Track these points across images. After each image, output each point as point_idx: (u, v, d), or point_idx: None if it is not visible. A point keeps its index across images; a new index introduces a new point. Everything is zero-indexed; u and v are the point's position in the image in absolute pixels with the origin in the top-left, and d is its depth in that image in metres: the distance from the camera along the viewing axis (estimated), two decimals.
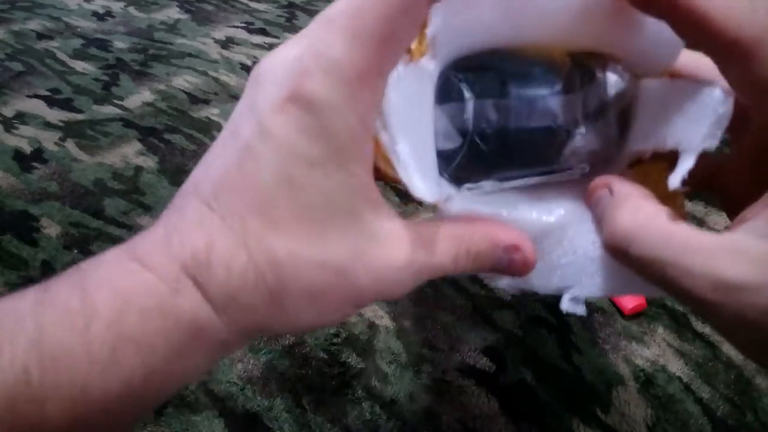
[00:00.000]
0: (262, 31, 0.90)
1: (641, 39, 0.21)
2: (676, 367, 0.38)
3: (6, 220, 0.54)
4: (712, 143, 0.18)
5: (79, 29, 0.94)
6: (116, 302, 0.16)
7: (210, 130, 0.65)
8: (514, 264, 0.20)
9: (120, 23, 0.96)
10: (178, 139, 0.64)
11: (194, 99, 0.72)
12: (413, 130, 0.18)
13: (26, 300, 0.16)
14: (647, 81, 0.21)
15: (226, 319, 0.17)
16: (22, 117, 0.70)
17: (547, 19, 0.20)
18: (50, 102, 0.73)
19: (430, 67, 0.19)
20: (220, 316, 0.16)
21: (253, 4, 1.00)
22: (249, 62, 0.80)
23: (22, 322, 0.15)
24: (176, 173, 0.59)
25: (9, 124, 0.68)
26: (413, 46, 0.19)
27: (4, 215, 0.54)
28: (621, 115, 0.22)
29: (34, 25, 0.96)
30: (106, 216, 0.53)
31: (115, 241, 0.50)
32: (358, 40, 0.16)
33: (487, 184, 0.22)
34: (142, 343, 0.16)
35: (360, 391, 0.37)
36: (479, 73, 0.21)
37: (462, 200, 0.21)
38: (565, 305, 0.21)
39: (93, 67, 0.81)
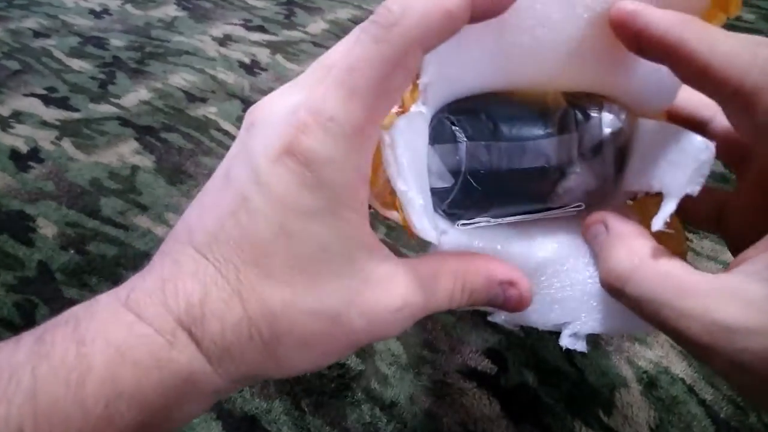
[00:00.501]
0: (261, 29, 0.89)
1: (637, 81, 0.21)
2: (680, 368, 0.38)
3: (2, 220, 0.53)
4: (694, 189, 0.19)
5: (75, 27, 0.93)
6: (111, 356, 0.16)
7: (207, 128, 0.65)
8: (509, 300, 0.20)
9: (117, 21, 0.95)
10: (175, 138, 0.63)
11: (191, 97, 0.71)
12: (416, 174, 0.19)
13: (21, 351, 0.16)
14: (644, 121, 0.21)
15: (220, 371, 0.17)
16: (18, 116, 0.69)
17: (537, 65, 0.21)
18: (46, 101, 0.72)
19: (423, 111, 0.20)
20: (214, 368, 0.17)
21: (252, 2, 1.00)
22: (247, 60, 0.80)
23: (18, 375, 0.15)
24: (173, 172, 0.58)
25: (5, 123, 0.68)
26: (406, 94, 0.20)
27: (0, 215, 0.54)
28: (618, 153, 0.23)
29: (31, 23, 0.95)
30: (102, 216, 0.53)
31: (112, 241, 0.50)
32: (356, 96, 0.16)
33: (481, 221, 0.22)
34: (136, 398, 0.16)
35: (360, 394, 0.37)
36: (471, 115, 0.21)
37: (456, 235, 0.21)
38: (565, 341, 0.22)
39: (89, 65, 0.80)
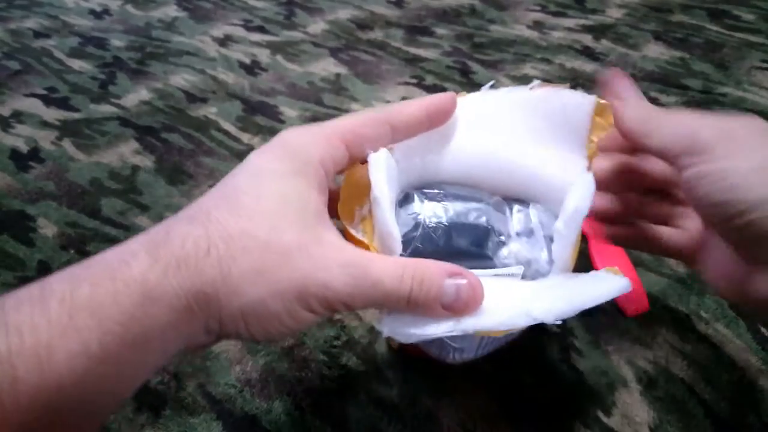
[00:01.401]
0: (261, 29, 0.89)
1: (555, 193, 0.27)
2: (679, 368, 0.38)
3: (2, 220, 0.53)
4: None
5: (76, 27, 0.93)
6: (68, 279, 0.19)
7: (208, 128, 0.65)
8: (461, 290, 0.21)
9: (117, 21, 0.95)
10: (175, 138, 0.63)
11: (192, 97, 0.71)
12: (387, 194, 0.25)
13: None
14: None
15: (175, 282, 0.18)
16: (18, 116, 0.69)
17: (473, 173, 0.29)
18: (47, 101, 0.72)
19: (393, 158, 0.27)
20: (168, 278, 0.18)
21: (252, 2, 1.00)
22: (247, 60, 0.80)
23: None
24: (173, 172, 0.58)
25: (6, 123, 0.68)
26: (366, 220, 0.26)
27: (0, 215, 0.54)
28: (548, 239, 0.28)
29: (31, 23, 0.95)
30: (102, 216, 0.53)
31: (112, 241, 0.50)
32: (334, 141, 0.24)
33: None
34: (94, 308, 0.17)
35: (360, 394, 0.37)
36: (429, 188, 0.29)
37: None
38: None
39: (90, 65, 0.81)
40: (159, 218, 0.52)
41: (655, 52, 0.76)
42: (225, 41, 0.86)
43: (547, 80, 0.70)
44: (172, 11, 0.98)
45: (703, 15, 0.85)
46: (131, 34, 0.90)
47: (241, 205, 0.20)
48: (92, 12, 0.99)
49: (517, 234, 0.28)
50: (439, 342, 0.27)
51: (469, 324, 0.22)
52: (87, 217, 0.53)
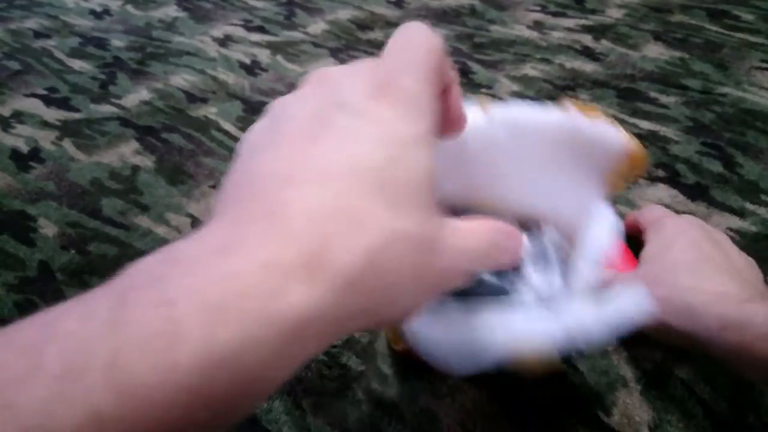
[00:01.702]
0: (261, 29, 0.89)
1: (572, 211, 0.27)
2: (679, 368, 0.38)
3: (3, 220, 0.53)
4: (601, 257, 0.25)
5: (76, 27, 0.93)
6: (207, 317, 0.13)
7: (208, 128, 0.65)
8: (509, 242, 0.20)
9: (117, 21, 0.95)
10: (175, 138, 0.63)
11: (192, 98, 0.71)
12: None
13: (96, 318, 0.13)
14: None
15: (335, 307, 0.14)
16: (19, 116, 0.69)
17: (487, 188, 0.28)
18: (47, 101, 0.72)
19: None
20: (331, 302, 0.14)
21: (252, 2, 1.00)
22: (247, 60, 0.80)
23: (93, 347, 0.12)
24: (174, 173, 0.58)
25: (6, 123, 0.68)
26: None
27: (1, 215, 0.54)
28: (562, 265, 0.27)
29: (32, 23, 0.95)
30: (103, 216, 0.53)
31: (113, 241, 0.50)
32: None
33: (445, 299, 0.23)
34: (235, 362, 0.13)
35: (360, 394, 0.37)
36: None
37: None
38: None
39: (90, 65, 0.81)
40: (159, 218, 0.52)
41: (655, 52, 0.76)
42: (225, 41, 0.86)
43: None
44: (172, 11, 0.98)
45: (702, 15, 0.85)
46: (131, 35, 0.90)
47: (384, 189, 0.17)
48: (92, 12, 0.99)
49: (533, 260, 0.27)
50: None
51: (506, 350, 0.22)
52: (87, 217, 0.53)
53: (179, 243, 0.15)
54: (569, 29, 0.83)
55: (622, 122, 0.63)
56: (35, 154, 0.62)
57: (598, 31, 0.82)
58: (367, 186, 0.16)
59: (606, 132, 0.25)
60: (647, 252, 0.31)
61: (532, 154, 0.26)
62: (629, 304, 0.23)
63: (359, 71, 0.19)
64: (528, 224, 0.28)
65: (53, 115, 0.69)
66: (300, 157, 0.16)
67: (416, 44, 0.19)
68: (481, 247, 0.19)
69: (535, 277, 0.27)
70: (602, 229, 0.24)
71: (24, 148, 0.63)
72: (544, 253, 0.27)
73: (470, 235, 0.18)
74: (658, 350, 0.39)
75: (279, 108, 0.19)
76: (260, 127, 0.20)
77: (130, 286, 0.14)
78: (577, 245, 0.26)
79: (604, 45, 0.78)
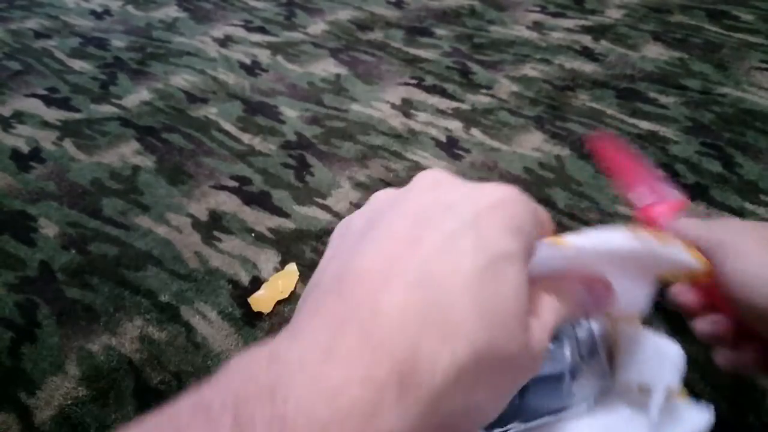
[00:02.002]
0: (261, 30, 0.89)
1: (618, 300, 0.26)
2: None
3: (3, 220, 0.53)
4: (674, 386, 0.24)
5: (77, 28, 0.93)
6: None
7: (208, 128, 0.65)
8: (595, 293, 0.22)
9: (118, 22, 0.95)
10: (176, 138, 0.64)
11: (192, 98, 0.71)
12: None
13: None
14: (623, 326, 0.26)
15: (424, 425, 0.15)
16: (19, 116, 0.69)
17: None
18: (48, 101, 0.72)
19: None
20: (419, 423, 0.15)
21: (252, 2, 1.00)
22: (248, 61, 0.80)
23: None
24: (174, 172, 0.58)
25: (7, 124, 0.68)
26: None
27: (1, 215, 0.54)
28: (609, 353, 0.27)
29: (32, 23, 0.95)
30: (103, 216, 0.53)
31: (113, 241, 0.50)
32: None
33: (511, 427, 0.25)
34: None
35: None
36: None
37: None
38: None
39: (91, 65, 0.81)
40: (160, 218, 0.52)
41: (654, 52, 0.76)
42: (225, 42, 0.86)
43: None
44: (172, 12, 0.98)
45: (702, 15, 0.85)
46: (132, 35, 0.90)
47: (477, 302, 0.18)
48: (93, 12, 0.99)
49: (581, 357, 0.27)
50: None
51: None
52: (88, 217, 0.53)
53: (281, 341, 0.15)
54: (569, 30, 0.83)
55: (621, 122, 0.63)
56: (36, 154, 0.63)
57: (598, 32, 0.82)
58: (462, 297, 0.16)
59: (679, 256, 0.25)
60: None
61: (602, 267, 0.25)
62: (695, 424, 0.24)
63: (468, 187, 0.19)
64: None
65: (54, 115, 0.69)
66: (400, 257, 0.16)
67: (539, 216, 0.20)
68: (567, 311, 0.20)
69: (588, 381, 0.27)
70: (666, 363, 0.25)
71: (24, 148, 0.63)
72: (591, 347, 0.27)
73: (553, 310, 0.19)
74: None
75: (383, 200, 0.19)
76: (359, 217, 0.19)
77: (243, 398, 0.14)
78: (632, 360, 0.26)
79: (603, 45, 0.79)
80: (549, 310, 0.19)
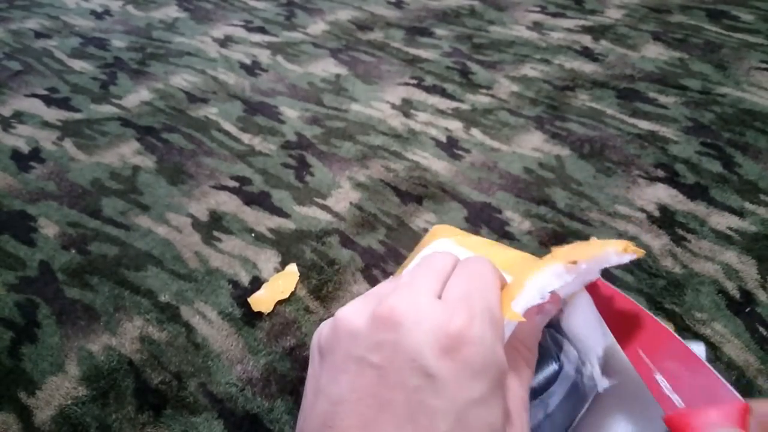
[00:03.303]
0: (261, 30, 0.89)
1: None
2: None
3: (3, 220, 0.53)
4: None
5: (77, 28, 0.93)
6: None
7: (208, 128, 0.65)
8: None
9: (118, 22, 0.95)
10: (176, 139, 0.64)
11: (192, 98, 0.71)
12: None
13: None
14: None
15: None
16: (19, 116, 0.70)
17: None
18: (48, 101, 0.72)
19: None
20: None
21: (252, 3, 1.00)
22: (248, 61, 0.80)
23: None
24: (174, 173, 0.58)
25: (7, 124, 0.68)
26: None
27: (1, 215, 0.54)
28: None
29: (32, 23, 0.95)
30: (103, 216, 0.53)
31: (113, 241, 0.50)
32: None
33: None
34: None
35: None
36: None
37: None
38: None
39: (91, 66, 0.81)
40: (160, 218, 0.52)
41: (654, 52, 0.76)
42: (225, 42, 0.86)
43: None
44: (172, 12, 0.98)
45: (702, 15, 0.85)
46: (132, 35, 0.90)
47: None
48: (93, 12, 0.99)
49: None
50: None
51: None
52: (88, 217, 0.53)
53: None
54: (568, 30, 0.83)
55: (621, 122, 0.63)
56: (36, 154, 0.63)
57: (598, 32, 0.82)
58: None
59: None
60: None
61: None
62: None
63: (433, 317, 0.19)
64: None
65: (54, 115, 0.69)
66: (373, 427, 0.18)
67: (486, 286, 0.21)
68: (529, 378, 0.21)
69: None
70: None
71: (25, 149, 0.63)
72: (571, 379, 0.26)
73: (524, 408, 0.20)
74: None
75: (345, 336, 0.20)
76: (325, 339, 0.21)
77: None
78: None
79: (603, 45, 0.79)
80: (520, 414, 0.20)
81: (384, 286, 0.22)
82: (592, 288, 0.24)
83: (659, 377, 0.21)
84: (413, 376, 0.18)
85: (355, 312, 0.20)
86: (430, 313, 0.19)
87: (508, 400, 0.20)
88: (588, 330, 0.25)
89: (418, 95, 0.69)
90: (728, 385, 0.20)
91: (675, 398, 0.21)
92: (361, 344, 0.19)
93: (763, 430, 0.19)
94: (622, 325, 0.23)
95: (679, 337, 0.21)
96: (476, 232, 0.48)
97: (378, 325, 0.19)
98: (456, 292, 0.20)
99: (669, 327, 0.22)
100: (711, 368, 0.20)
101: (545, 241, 0.47)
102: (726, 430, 0.19)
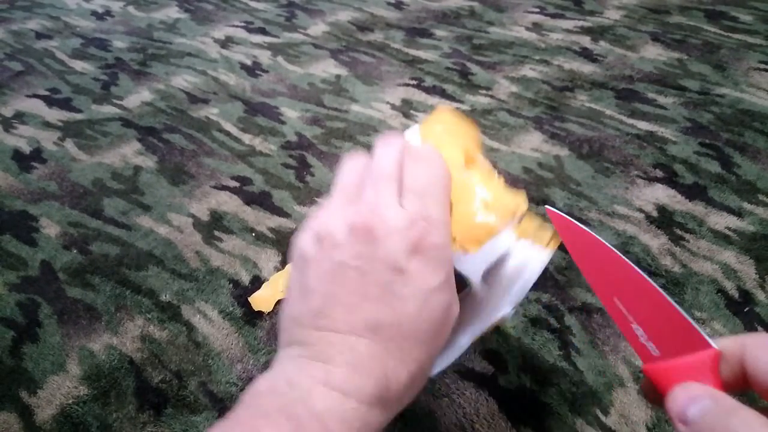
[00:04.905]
0: (262, 31, 0.90)
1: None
2: None
3: (5, 220, 0.54)
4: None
5: (78, 29, 0.94)
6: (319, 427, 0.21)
7: (209, 129, 0.65)
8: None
9: (119, 23, 0.96)
10: (177, 139, 0.64)
11: (193, 98, 0.72)
12: None
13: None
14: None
15: (389, 414, 0.23)
16: (21, 116, 0.70)
17: None
18: (49, 102, 0.73)
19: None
20: (387, 414, 0.23)
21: (253, 4, 1.00)
22: (248, 62, 0.80)
23: None
24: (175, 173, 0.59)
25: (8, 124, 0.68)
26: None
27: (3, 215, 0.54)
28: None
29: (34, 24, 0.96)
30: (105, 216, 0.53)
31: (115, 241, 0.50)
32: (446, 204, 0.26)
33: None
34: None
35: None
36: None
37: None
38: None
39: (92, 66, 0.81)
40: (161, 218, 0.53)
41: (653, 53, 0.76)
42: (226, 43, 0.86)
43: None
44: (173, 13, 0.98)
45: (700, 16, 0.85)
46: (133, 36, 0.90)
47: (421, 331, 0.25)
48: (94, 13, 1.00)
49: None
50: None
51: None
52: (89, 217, 0.53)
53: (286, 368, 0.23)
54: (568, 31, 0.84)
55: (620, 123, 0.63)
56: (37, 154, 0.63)
57: (597, 33, 0.82)
58: (408, 331, 0.23)
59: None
60: None
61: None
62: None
63: (400, 228, 0.24)
64: None
65: (55, 115, 0.70)
66: (358, 311, 0.23)
67: (437, 177, 0.26)
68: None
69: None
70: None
71: (26, 149, 0.64)
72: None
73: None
74: None
75: (328, 246, 0.24)
76: (309, 248, 0.25)
77: (264, 414, 0.21)
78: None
79: (602, 46, 0.79)
80: (454, 292, 0.25)
81: (351, 192, 0.26)
82: (574, 235, 0.26)
83: (635, 326, 0.22)
84: (387, 273, 0.23)
85: (335, 223, 0.25)
86: (397, 224, 0.24)
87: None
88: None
89: (418, 96, 0.70)
90: (701, 331, 0.20)
91: (650, 346, 0.21)
92: (344, 253, 0.24)
93: (732, 372, 0.20)
94: (600, 274, 0.24)
95: (657, 286, 0.22)
96: None
97: (356, 235, 0.24)
98: (413, 201, 0.25)
99: (652, 280, 0.22)
100: (685, 314, 0.21)
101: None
102: (693, 384, 0.20)
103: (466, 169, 0.28)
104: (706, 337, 0.20)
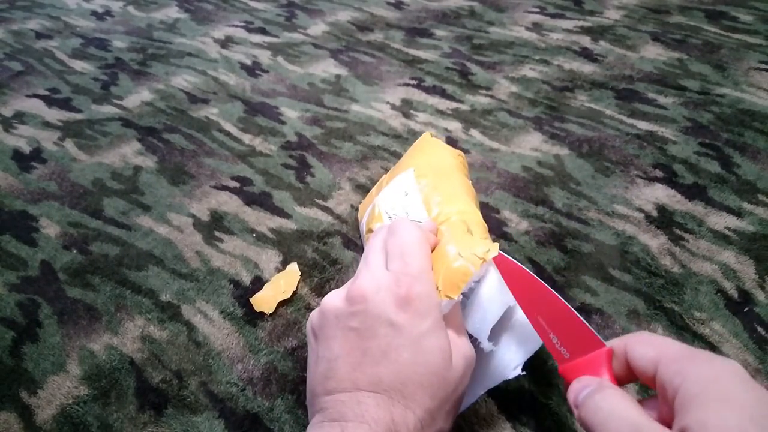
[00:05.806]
0: (262, 31, 0.90)
1: None
2: None
3: (5, 220, 0.54)
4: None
5: (78, 29, 0.94)
6: None
7: (209, 129, 0.65)
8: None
9: (119, 23, 0.96)
10: (177, 139, 0.64)
11: (193, 98, 0.72)
12: None
13: None
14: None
15: None
16: (21, 116, 0.70)
17: None
18: (49, 101, 0.73)
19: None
20: None
21: (253, 3, 1.00)
22: (248, 61, 0.80)
23: None
24: (175, 173, 0.59)
25: (8, 124, 0.68)
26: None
27: (2, 215, 0.54)
28: None
29: (33, 24, 0.96)
30: (105, 216, 0.53)
31: (115, 241, 0.50)
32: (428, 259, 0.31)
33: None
34: None
35: None
36: None
37: None
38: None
39: (92, 66, 0.81)
40: (161, 218, 0.53)
41: (653, 53, 0.76)
42: (226, 42, 0.86)
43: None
44: (173, 13, 0.98)
45: (701, 16, 0.85)
46: (133, 36, 0.90)
47: (420, 377, 0.28)
48: (94, 13, 1.00)
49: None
50: None
51: None
52: (89, 217, 0.53)
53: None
54: (568, 30, 0.84)
55: (620, 122, 0.63)
56: (37, 154, 0.63)
57: (597, 33, 0.82)
58: (407, 378, 0.26)
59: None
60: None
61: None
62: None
63: (387, 286, 0.28)
64: None
65: (55, 115, 0.70)
66: (360, 368, 0.27)
67: (411, 238, 0.30)
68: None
69: None
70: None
71: (26, 149, 0.64)
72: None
73: (465, 337, 0.30)
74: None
75: (330, 317, 0.29)
76: (316, 323, 0.30)
77: None
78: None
79: (602, 46, 0.79)
80: (462, 341, 0.29)
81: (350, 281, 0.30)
82: (503, 266, 0.30)
83: (552, 335, 0.27)
84: (382, 328, 0.27)
85: (335, 298, 0.29)
86: (384, 284, 0.28)
87: (449, 328, 0.29)
88: (489, 303, 0.31)
89: (418, 96, 0.70)
90: (597, 335, 0.25)
91: (563, 350, 0.26)
92: (342, 317, 0.27)
93: (621, 367, 0.24)
94: (529, 299, 0.29)
95: (567, 303, 0.27)
96: None
97: (351, 301, 0.28)
98: (396, 261, 0.29)
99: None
100: (586, 323, 0.26)
101: (543, 241, 0.47)
102: (585, 377, 0.24)
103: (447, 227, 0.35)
104: (601, 339, 0.25)
